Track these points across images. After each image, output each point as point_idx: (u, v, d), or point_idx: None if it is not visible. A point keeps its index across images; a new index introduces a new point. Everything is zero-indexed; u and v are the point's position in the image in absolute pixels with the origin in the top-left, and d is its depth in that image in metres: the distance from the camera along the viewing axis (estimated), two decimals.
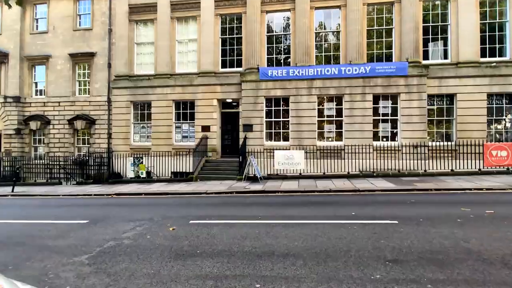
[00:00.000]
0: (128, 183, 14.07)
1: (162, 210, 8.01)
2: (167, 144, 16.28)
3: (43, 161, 17.54)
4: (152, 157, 14.84)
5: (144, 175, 14.19)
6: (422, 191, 9.51)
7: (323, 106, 14.71)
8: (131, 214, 7.56)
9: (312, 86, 14.52)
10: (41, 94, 18.60)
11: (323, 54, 15.22)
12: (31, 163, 17.39)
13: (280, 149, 13.79)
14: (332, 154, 13.87)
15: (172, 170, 14.85)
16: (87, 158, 15.56)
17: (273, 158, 13.29)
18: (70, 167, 16.49)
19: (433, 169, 12.65)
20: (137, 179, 14.16)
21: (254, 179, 12.97)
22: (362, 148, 13.42)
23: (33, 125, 18.16)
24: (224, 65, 16.26)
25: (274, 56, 15.67)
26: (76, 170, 16.27)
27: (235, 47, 16.18)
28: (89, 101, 17.70)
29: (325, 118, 14.66)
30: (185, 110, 16.55)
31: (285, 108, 14.96)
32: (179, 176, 15.21)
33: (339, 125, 14.54)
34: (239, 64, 16.03)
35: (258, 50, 15.23)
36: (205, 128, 15.97)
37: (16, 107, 18.20)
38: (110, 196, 11.16)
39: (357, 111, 14.15)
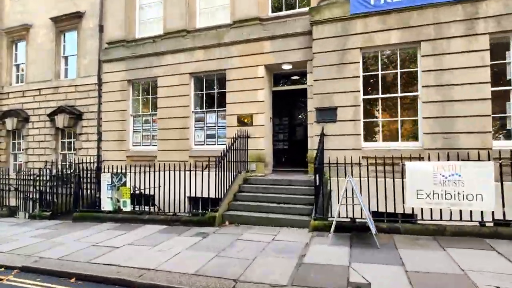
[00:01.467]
0: (101, 221, 7.49)
1: None
2: (181, 148, 9.51)
3: (20, 175, 12.05)
4: (158, 172, 7.99)
5: (127, 207, 7.46)
6: None
7: (503, 59, 6.54)
8: None
9: (473, 16, 6.47)
10: (22, 81, 13.36)
11: None
12: (5, 177, 11.92)
13: (411, 159, 5.94)
14: None
15: (189, 195, 7.79)
16: (50, 173, 9.41)
17: (398, 178, 5.57)
18: (45, 184, 10.55)
19: None
20: (115, 215, 7.50)
21: (355, 229, 5.42)
22: None
23: (9, 123, 12.88)
24: (276, 5, 9.04)
25: None
26: (54, 189, 10.28)
27: None
28: (75, 86, 11.82)
29: (509, 87, 6.45)
30: (210, 90, 9.63)
31: (407, 70, 7.13)
32: (199, 206, 8.38)
33: None
34: (304, 0, 8.67)
35: None
36: (244, 120, 8.83)
37: None
38: (2, 280, 4.51)
39: None
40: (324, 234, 5.49)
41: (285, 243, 5.17)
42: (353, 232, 5.45)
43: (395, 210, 5.58)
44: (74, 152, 11.76)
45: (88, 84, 11.50)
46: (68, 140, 12.16)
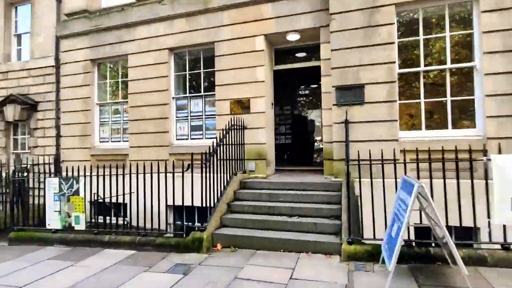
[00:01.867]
0: (46, 244, 5.45)
1: None
2: (158, 144, 7.50)
3: None
4: (130, 175, 5.94)
5: (81, 225, 5.44)
6: None
7: None
8: None
9: None
10: None
11: None
12: None
13: (486, 152, 4.16)
14: None
15: (170, 203, 5.75)
16: None
17: (464, 179, 3.78)
18: None
19: None
20: (66, 235, 5.46)
21: (414, 258, 3.57)
22: None
23: None
24: None
25: None
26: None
27: None
28: (29, 69, 9.62)
29: None
30: (195, 70, 7.65)
31: (460, 32, 5.34)
32: (184, 217, 6.44)
33: None
34: None
35: None
36: (237, 107, 6.89)
37: None
38: None
39: None
40: (367, 266, 3.65)
41: (312, 285, 3.28)
42: (411, 263, 3.61)
43: (475, 224, 3.76)
44: (29, 151, 9.58)
45: (43, 67, 9.31)
46: (22, 136, 9.95)
